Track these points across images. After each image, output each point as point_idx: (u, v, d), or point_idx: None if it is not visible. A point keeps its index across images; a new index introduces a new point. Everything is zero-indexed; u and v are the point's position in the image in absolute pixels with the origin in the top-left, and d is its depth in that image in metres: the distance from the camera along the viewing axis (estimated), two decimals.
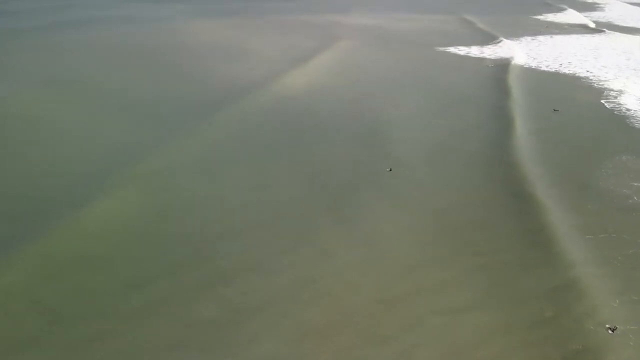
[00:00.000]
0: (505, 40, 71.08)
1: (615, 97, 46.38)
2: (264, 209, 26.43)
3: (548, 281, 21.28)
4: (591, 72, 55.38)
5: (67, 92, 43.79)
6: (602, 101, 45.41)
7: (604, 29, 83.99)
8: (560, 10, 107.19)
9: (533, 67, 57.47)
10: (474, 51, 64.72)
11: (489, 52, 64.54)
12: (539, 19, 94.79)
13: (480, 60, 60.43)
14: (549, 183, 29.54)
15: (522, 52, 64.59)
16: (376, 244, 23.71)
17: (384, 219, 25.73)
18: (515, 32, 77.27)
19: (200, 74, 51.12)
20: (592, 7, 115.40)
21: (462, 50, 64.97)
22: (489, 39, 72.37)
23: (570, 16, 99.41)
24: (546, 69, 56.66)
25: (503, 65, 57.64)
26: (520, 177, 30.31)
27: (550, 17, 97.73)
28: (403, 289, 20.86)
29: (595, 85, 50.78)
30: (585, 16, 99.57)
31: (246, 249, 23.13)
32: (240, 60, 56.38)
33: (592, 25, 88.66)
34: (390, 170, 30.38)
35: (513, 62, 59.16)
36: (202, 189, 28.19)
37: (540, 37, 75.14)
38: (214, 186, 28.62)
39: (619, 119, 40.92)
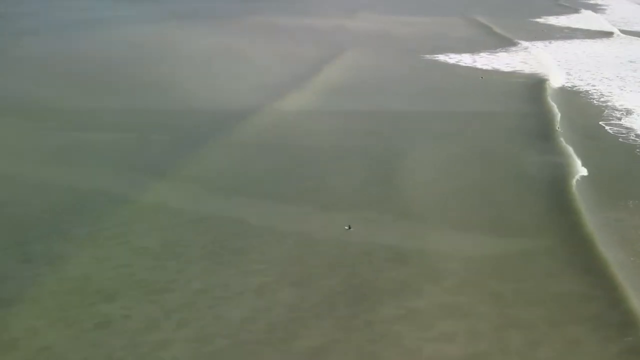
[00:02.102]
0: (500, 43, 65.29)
1: (620, 118, 40.04)
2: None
3: None
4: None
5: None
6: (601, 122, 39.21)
7: (611, 32, 77.94)
8: (561, 12, 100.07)
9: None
10: (493, 62, 57.97)
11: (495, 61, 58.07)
12: (538, 22, 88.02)
13: (498, 74, 53.57)
14: None
15: (516, 59, 58.67)
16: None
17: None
18: (514, 35, 70.60)
19: (176, 95, 42.04)
20: (594, 8, 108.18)
21: (481, 60, 58.14)
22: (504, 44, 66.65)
23: (572, 18, 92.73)
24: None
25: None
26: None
27: (552, 19, 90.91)
28: None
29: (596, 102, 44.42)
30: (587, 17, 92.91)
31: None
32: (229, 75, 48.32)
33: (597, 28, 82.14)
34: (350, 228, 24.31)
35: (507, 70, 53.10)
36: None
37: (538, 42, 68.57)
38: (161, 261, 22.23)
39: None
